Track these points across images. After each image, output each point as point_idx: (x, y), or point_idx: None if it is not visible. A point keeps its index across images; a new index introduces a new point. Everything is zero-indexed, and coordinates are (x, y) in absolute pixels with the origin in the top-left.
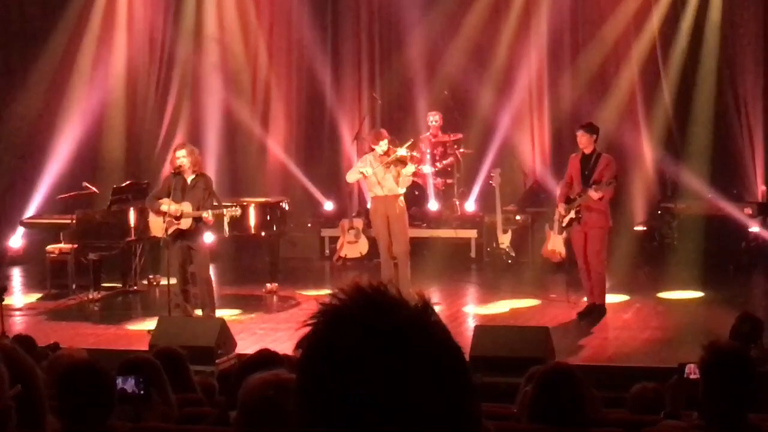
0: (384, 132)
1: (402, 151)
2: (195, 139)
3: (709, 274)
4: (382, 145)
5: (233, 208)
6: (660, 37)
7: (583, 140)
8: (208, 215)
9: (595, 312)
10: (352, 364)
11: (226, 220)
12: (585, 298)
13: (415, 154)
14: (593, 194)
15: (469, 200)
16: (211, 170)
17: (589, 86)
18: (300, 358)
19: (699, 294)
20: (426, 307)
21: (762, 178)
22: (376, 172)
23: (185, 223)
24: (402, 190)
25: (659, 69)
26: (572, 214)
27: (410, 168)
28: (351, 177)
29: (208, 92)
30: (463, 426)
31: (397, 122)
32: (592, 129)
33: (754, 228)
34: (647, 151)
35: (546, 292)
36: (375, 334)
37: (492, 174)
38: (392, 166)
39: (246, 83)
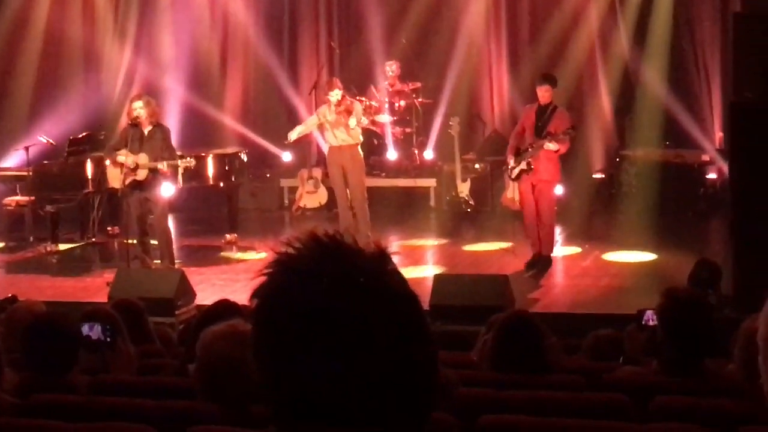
0: (337, 81)
1: (357, 106)
2: (152, 90)
3: (668, 221)
4: (336, 94)
5: (188, 159)
6: None
7: (546, 93)
8: (163, 166)
9: (540, 263)
10: (306, 312)
11: (180, 170)
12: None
13: (373, 103)
14: (551, 146)
15: (428, 149)
16: (169, 121)
17: (547, 34)
18: (255, 307)
19: (651, 256)
20: (382, 255)
21: (719, 124)
22: (329, 122)
23: (142, 174)
24: (358, 140)
25: (617, 14)
26: (523, 165)
27: (353, 120)
28: (292, 134)
29: (165, 43)
30: (420, 374)
31: (355, 72)
32: (553, 81)
33: (712, 174)
34: (605, 99)
35: (505, 240)
36: (330, 281)
37: (450, 122)
38: (342, 116)
39: (203, 32)
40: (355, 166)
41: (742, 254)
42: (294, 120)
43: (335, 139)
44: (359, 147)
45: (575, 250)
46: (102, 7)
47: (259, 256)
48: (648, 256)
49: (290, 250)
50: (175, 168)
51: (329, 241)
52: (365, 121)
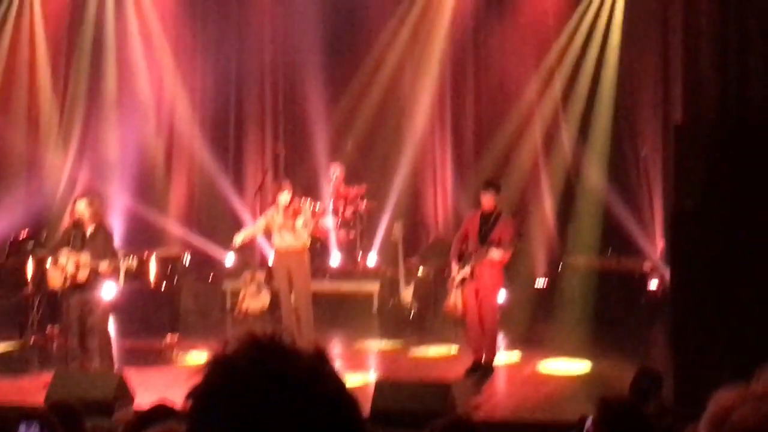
0: (286, 183)
1: (305, 207)
2: (96, 189)
3: (609, 329)
4: (284, 197)
5: (129, 260)
6: (562, 93)
7: (490, 200)
8: (104, 266)
9: (482, 369)
10: (242, 413)
11: (122, 271)
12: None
13: (317, 207)
14: (495, 255)
15: (372, 253)
16: (113, 222)
17: (492, 140)
18: (190, 408)
19: (593, 364)
20: (320, 356)
21: (661, 232)
22: (277, 224)
23: (83, 275)
24: (305, 243)
25: (560, 123)
26: (466, 271)
27: (300, 221)
28: (237, 239)
29: (110, 144)
30: None
31: (300, 175)
32: (497, 187)
33: (654, 282)
34: (548, 206)
35: (448, 345)
36: (266, 381)
37: (394, 227)
38: (290, 219)
39: (149, 135)
40: (300, 270)
41: (683, 363)
42: (238, 223)
43: (282, 242)
44: (306, 251)
45: (516, 356)
46: (46, 111)
47: (200, 358)
48: (589, 364)
49: (227, 350)
50: (117, 269)
51: (267, 342)
52: (311, 225)
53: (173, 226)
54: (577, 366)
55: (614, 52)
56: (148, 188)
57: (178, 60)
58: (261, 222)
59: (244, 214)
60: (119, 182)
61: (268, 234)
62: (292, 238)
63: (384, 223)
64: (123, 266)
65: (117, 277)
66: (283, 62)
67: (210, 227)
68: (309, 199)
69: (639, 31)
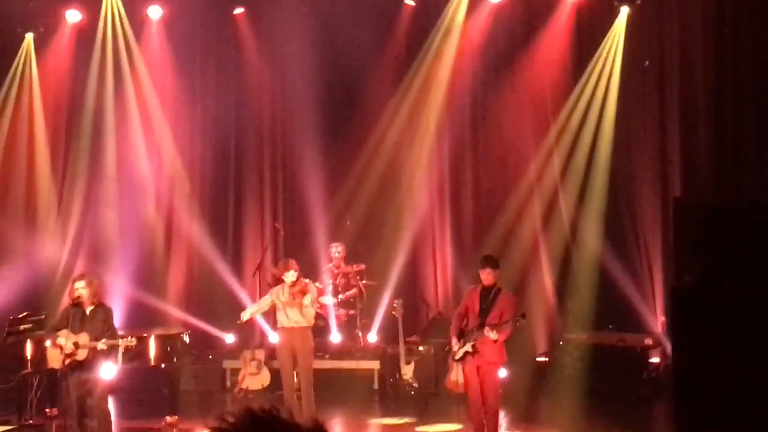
0: (292, 262)
1: (310, 286)
2: (95, 271)
3: (611, 405)
4: (290, 276)
5: (128, 339)
6: (560, 168)
7: (489, 276)
8: (103, 345)
9: None
10: None
11: (120, 350)
12: None
13: (318, 285)
14: (491, 335)
15: (372, 331)
16: (112, 302)
17: (490, 217)
18: None
19: None
20: (319, 429)
21: (661, 308)
22: (282, 302)
23: (82, 354)
24: (310, 321)
25: (559, 199)
26: (467, 348)
27: (308, 298)
28: (245, 314)
29: (109, 224)
30: None
31: (300, 254)
32: (495, 263)
33: (655, 358)
34: (548, 281)
35: (450, 423)
36: None
37: (394, 305)
38: (296, 297)
39: (148, 214)
40: (305, 349)
41: None
42: (237, 303)
43: (287, 320)
44: (310, 329)
45: (515, 426)
46: (45, 192)
47: None
48: None
49: (224, 425)
50: (116, 348)
51: (264, 415)
52: (331, 301)
53: (172, 308)
54: None
55: (611, 124)
56: (146, 270)
57: (177, 138)
58: (267, 299)
59: (243, 293)
60: (118, 265)
61: (273, 312)
62: (299, 316)
63: (384, 301)
64: (122, 345)
65: (116, 356)
66: (282, 139)
67: (209, 308)
68: (308, 279)
69: (636, 105)
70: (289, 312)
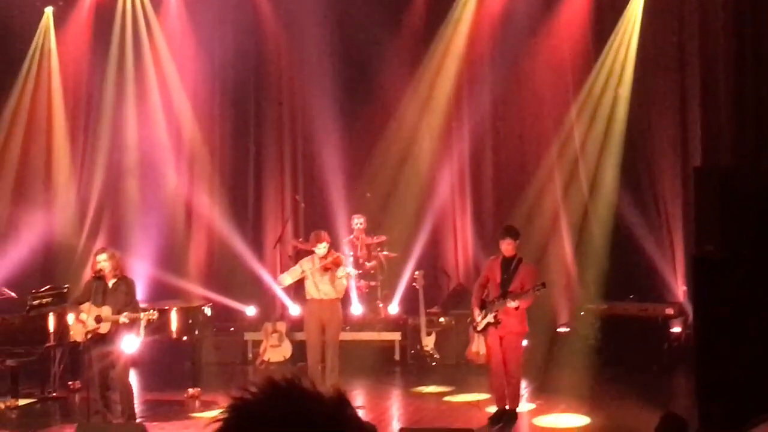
0: (324, 234)
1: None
2: (116, 243)
3: (632, 375)
4: (322, 248)
5: (150, 312)
6: (579, 136)
7: (509, 246)
8: (125, 318)
9: (505, 417)
10: None
11: (143, 324)
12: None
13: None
14: (512, 304)
15: (393, 303)
16: (133, 274)
17: (511, 185)
18: None
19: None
20: (341, 399)
21: (683, 277)
22: (313, 274)
23: (104, 328)
24: (341, 293)
25: (579, 168)
26: (489, 318)
27: (342, 270)
28: (286, 279)
29: (130, 195)
30: None
31: (320, 225)
32: (515, 234)
33: (676, 328)
34: (568, 252)
35: (470, 393)
36: (287, 424)
37: (415, 276)
38: (329, 269)
39: (167, 186)
40: (333, 320)
41: (708, 408)
42: (257, 277)
43: (317, 292)
44: (339, 301)
45: (539, 404)
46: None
47: (221, 410)
48: (612, 411)
49: (246, 395)
50: (138, 321)
51: (287, 385)
52: (353, 272)
53: (193, 282)
54: (600, 413)
55: (630, 93)
56: (167, 244)
57: (196, 110)
58: (297, 270)
59: (265, 264)
60: (138, 238)
61: (290, 285)
62: (330, 287)
63: (405, 273)
64: (144, 318)
65: (138, 329)
66: (302, 110)
67: (230, 281)
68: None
69: (656, 74)
70: (319, 284)
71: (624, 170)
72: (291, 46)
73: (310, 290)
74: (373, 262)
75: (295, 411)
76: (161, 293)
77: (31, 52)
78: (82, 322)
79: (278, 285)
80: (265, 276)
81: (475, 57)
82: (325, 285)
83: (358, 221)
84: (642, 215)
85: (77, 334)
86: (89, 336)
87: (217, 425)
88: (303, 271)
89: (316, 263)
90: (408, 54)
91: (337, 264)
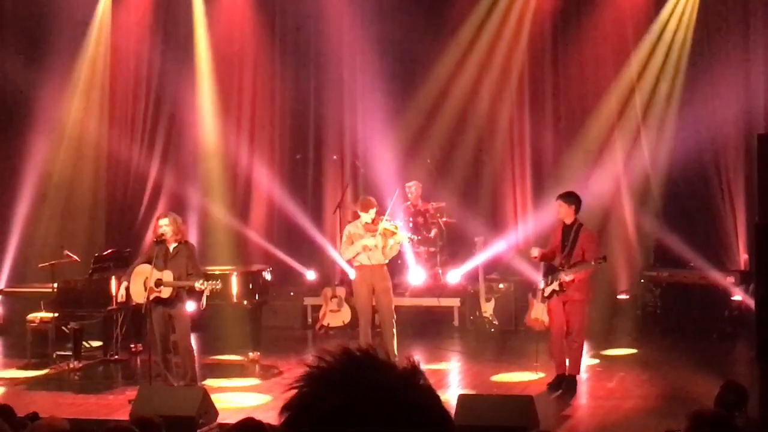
0: (372, 200)
1: (387, 225)
2: (177, 208)
3: (693, 343)
4: (371, 214)
5: (213, 282)
6: (641, 105)
7: (562, 210)
8: (202, 285)
9: (565, 383)
10: (338, 425)
11: (206, 293)
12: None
13: (397, 222)
14: (565, 277)
15: (452, 269)
16: (193, 239)
17: (571, 152)
18: (284, 420)
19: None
20: (415, 370)
21: (744, 246)
22: (363, 239)
23: (166, 292)
24: (387, 259)
25: (640, 134)
26: (555, 286)
27: (399, 236)
28: (350, 253)
29: (191, 160)
30: None
31: (381, 191)
32: (570, 199)
33: (737, 296)
34: (629, 218)
35: (529, 360)
36: (362, 394)
37: (475, 242)
38: (381, 236)
39: (228, 153)
40: (384, 286)
41: None
42: (315, 241)
43: (368, 259)
44: (386, 267)
45: (599, 371)
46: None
47: (282, 374)
48: (672, 378)
49: (321, 363)
50: (201, 291)
51: (361, 355)
52: (410, 238)
53: (255, 241)
54: (659, 381)
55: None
56: (229, 203)
57: (257, 77)
58: (358, 246)
59: (325, 229)
60: (201, 197)
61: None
62: (380, 254)
63: (464, 239)
64: (207, 288)
65: (200, 295)
66: (361, 79)
67: (291, 244)
68: (386, 217)
69: (718, 38)
70: (370, 252)
71: (685, 137)
72: (353, 9)
73: (360, 257)
74: (434, 229)
75: (371, 380)
76: (221, 253)
77: (90, 36)
78: (145, 284)
79: (341, 257)
80: (325, 242)
81: (535, 19)
82: (376, 252)
83: (411, 189)
84: (704, 184)
85: (138, 296)
86: (151, 299)
87: (293, 392)
88: (363, 246)
89: (359, 228)
90: (465, 16)
91: (393, 232)
